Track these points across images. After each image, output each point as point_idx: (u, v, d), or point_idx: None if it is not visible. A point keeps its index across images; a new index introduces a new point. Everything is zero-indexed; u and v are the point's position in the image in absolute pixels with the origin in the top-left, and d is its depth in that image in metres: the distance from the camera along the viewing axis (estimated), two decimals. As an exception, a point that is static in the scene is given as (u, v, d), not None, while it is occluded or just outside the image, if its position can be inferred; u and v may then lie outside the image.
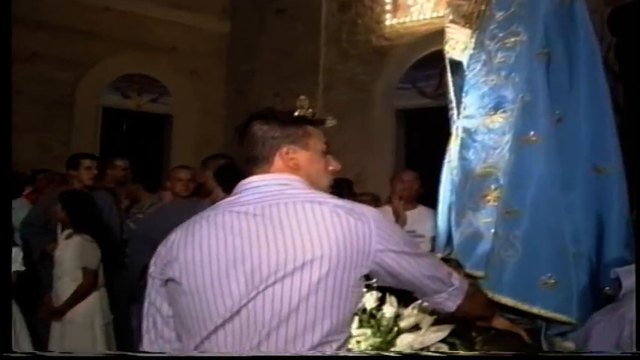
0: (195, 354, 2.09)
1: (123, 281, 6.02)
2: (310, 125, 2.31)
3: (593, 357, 2.24)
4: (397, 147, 10.07)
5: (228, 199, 2.23)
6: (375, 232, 2.13)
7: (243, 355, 2.03)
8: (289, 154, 2.23)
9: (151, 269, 2.23)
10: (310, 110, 2.34)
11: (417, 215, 5.78)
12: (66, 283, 5.78)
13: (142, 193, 6.99)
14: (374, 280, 2.68)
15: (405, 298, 2.90)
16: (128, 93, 11.63)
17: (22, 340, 6.08)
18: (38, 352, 4.63)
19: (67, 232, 5.88)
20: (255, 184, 2.19)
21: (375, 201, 6.52)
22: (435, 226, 3.72)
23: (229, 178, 2.60)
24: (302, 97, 2.33)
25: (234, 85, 11.58)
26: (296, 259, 2.04)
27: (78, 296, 5.73)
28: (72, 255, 5.74)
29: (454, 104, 3.64)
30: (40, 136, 10.49)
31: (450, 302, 2.45)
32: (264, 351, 2.01)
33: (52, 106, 11.01)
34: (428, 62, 9.05)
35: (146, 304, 2.26)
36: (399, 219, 5.70)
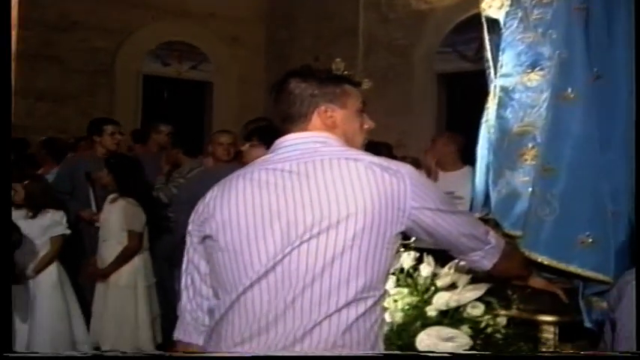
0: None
1: (166, 245, 6.10)
2: (348, 84, 2.30)
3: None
4: (438, 112, 10.02)
5: (265, 156, 2.24)
6: (410, 189, 2.13)
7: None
8: (327, 113, 2.23)
9: (190, 227, 2.27)
10: (346, 73, 2.34)
11: (459, 177, 5.78)
12: (111, 245, 5.93)
13: (182, 158, 7.05)
14: (412, 240, 2.69)
15: (443, 258, 2.90)
16: (168, 60, 11.70)
17: (70, 302, 6.23)
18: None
19: (112, 196, 6.01)
20: (292, 142, 2.20)
21: (415, 165, 6.52)
22: (473, 185, 3.71)
23: (268, 137, 2.61)
24: (338, 59, 2.32)
25: (274, 51, 11.57)
26: (331, 216, 2.05)
27: (123, 258, 5.87)
28: (117, 218, 5.88)
29: (491, 63, 3.61)
30: (82, 105, 10.61)
31: (487, 260, 2.44)
32: (297, 308, 2.03)
33: (94, 75, 11.13)
34: (468, 25, 8.93)
35: (185, 262, 2.30)
36: (431, 178, 5.72)
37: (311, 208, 2.06)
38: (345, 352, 2.04)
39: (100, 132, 6.75)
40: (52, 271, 6.14)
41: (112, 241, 5.95)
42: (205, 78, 11.88)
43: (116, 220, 5.92)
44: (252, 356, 2.05)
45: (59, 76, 10.98)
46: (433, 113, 9.95)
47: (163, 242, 6.15)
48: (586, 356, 2.18)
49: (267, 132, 4.23)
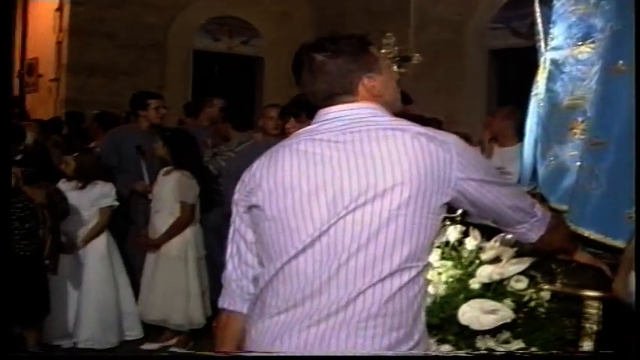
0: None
1: (215, 218, 6.17)
2: (370, 46, 2.28)
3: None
4: (489, 88, 9.94)
5: (309, 127, 2.24)
6: (456, 160, 2.12)
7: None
8: (370, 82, 2.22)
9: (236, 196, 2.28)
10: (396, 48, 2.32)
11: (512, 152, 5.73)
12: (163, 216, 6.03)
13: (231, 132, 7.10)
14: (457, 213, 2.68)
15: (489, 232, 2.88)
16: (218, 36, 11.75)
17: (118, 273, 6.34)
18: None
19: (166, 168, 6.09)
20: (337, 113, 2.19)
21: (466, 140, 6.50)
22: (521, 159, 3.67)
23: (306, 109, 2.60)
24: (388, 34, 2.31)
25: (325, 26, 11.55)
26: (377, 186, 2.05)
27: (175, 229, 5.98)
28: (171, 190, 5.97)
29: (542, 36, 3.56)
30: (133, 80, 10.72)
31: (532, 233, 2.42)
32: (342, 276, 2.04)
33: (145, 50, 11.23)
34: (521, 0, 8.83)
35: (231, 231, 2.32)
36: (484, 153, 5.70)
37: (357, 178, 2.06)
38: (387, 321, 2.04)
39: (144, 106, 6.83)
40: (101, 241, 6.26)
41: (164, 213, 6.05)
42: (256, 53, 11.91)
43: (169, 192, 6.01)
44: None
45: (111, 52, 11.11)
46: (484, 90, 9.87)
47: (213, 215, 6.21)
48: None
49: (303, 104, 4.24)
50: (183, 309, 6.04)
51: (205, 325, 6.11)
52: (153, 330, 6.34)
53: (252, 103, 11.67)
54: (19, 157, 6.03)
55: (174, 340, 6.21)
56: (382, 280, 2.04)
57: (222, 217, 5.96)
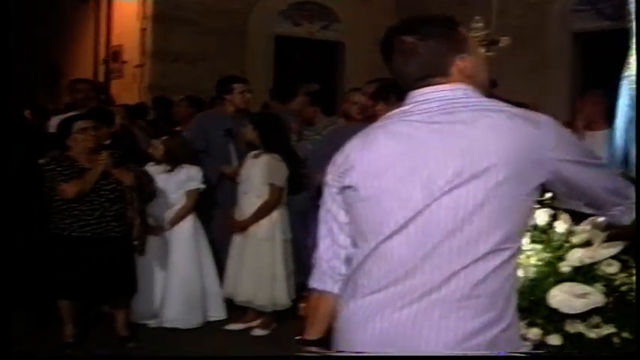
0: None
1: (302, 201, 6.24)
2: (456, 25, 2.25)
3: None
4: (573, 71, 9.76)
5: (402, 109, 2.22)
6: (551, 141, 2.09)
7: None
8: (463, 63, 2.20)
9: (328, 177, 2.28)
10: (484, 32, 2.30)
11: (601, 137, 5.64)
12: (251, 199, 6.12)
13: (318, 116, 7.14)
14: (546, 197, 2.65)
15: (576, 216, 2.85)
16: (299, 21, 11.79)
17: (204, 255, 6.46)
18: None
19: (255, 152, 6.15)
20: (430, 95, 2.17)
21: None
22: (611, 142, 3.61)
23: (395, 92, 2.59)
24: (477, 17, 2.29)
25: (405, 10, 11.49)
26: (472, 167, 2.03)
27: (263, 212, 6.06)
28: (260, 172, 6.05)
29: (634, 16, 3.48)
30: (214, 65, 10.84)
31: (627, 216, 2.36)
32: (436, 257, 2.04)
33: (226, 36, 11.33)
34: (608, -19, 8.67)
35: (322, 212, 2.32)
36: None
37: (452, 160, 2.05)
38: (480, 303, 2.03)
39: (229, 90, 6.94)
40: (188, 223, 6.39)
41: (252, 195, 6.13)
42: (336, 38, 11.92)
43: (258, 175, 6.09)
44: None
45: (193, 38, 11.26)
46: (568, 73, 9.69)
47: (299, 198, 6.26)
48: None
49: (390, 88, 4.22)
50: (268, 290, 6.12)
51: (289, 308, 6.20)
52: (236, 311, 6.44)
53: (333, 88, 11.68)
54: (108, 142, 6.17)
55: (257, 322, 6.29)
56: (476, 261, 2.03)
57: (307, 200, 6.04)
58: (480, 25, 2.11)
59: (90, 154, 5.69)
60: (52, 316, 5.99)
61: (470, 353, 2.03)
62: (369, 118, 5.69)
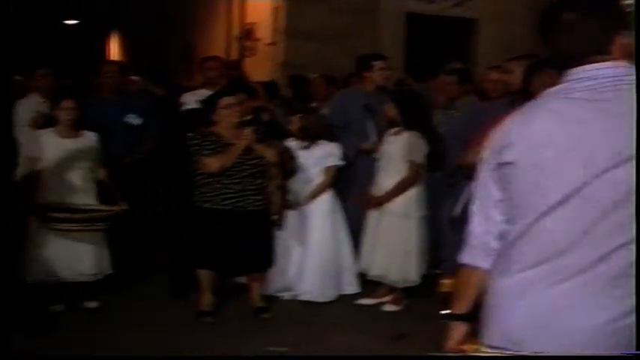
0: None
1: (438, 178, 6.27)
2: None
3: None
4: None
5: (561, 86, 2.21)
6: None
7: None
8: (623, 42, 2.17)
9: (485, 154, 2.30)
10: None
11: None
12: (389, 175, 6.16)
13: (462, 95, 7.08)
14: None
15: None
16: (432, -2, 11.68)
17: (340, 230, 6.57)
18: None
19: (395, 129, 6.20)
20: (590, 73, 2.15)
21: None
22: None
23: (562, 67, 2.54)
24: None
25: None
26: (631, 146, 2.01)
27: (401, 188, 6.10)
28: (399, 149, 6.08)
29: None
30: (346, 44, 10.88)
31: None
32: (592, 235, 2.04)
33: (358, 14, 11.35)
34: None
35: (477, 188, 2.34)
36: None
37: (613, 138, 2.04)
38: (632, 283, 2.01)
39: (369, 68, 6.98)
40: (325, 199, 6.50)
41: (390, 171, 6.17)
42: (470, 15, 11.77)
43: (398, 151, 6.13)
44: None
45: (325, 17, 11.33)
46: None
47: (435, 175, 6.26)
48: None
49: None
50: (401, 266, 6.17)
51: (420, 284, 6.24)
52: (369, 286, 6.52)
53: (467, 65, 11.55)
54: (249, 117, 6.31)
55: (388, 297, 6.36)
56: (631, 241, 2.02)
57: (443, 177, 6.05)
58: (630, 1, 2.05)
59: (234, 129, 5.84)
60: (190, 285, 6.21)
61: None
62: (505, 95, 5.65)
